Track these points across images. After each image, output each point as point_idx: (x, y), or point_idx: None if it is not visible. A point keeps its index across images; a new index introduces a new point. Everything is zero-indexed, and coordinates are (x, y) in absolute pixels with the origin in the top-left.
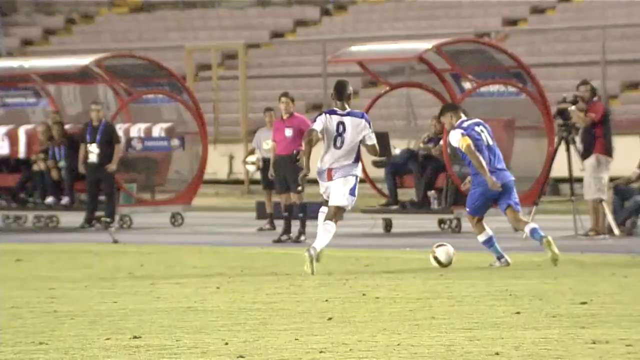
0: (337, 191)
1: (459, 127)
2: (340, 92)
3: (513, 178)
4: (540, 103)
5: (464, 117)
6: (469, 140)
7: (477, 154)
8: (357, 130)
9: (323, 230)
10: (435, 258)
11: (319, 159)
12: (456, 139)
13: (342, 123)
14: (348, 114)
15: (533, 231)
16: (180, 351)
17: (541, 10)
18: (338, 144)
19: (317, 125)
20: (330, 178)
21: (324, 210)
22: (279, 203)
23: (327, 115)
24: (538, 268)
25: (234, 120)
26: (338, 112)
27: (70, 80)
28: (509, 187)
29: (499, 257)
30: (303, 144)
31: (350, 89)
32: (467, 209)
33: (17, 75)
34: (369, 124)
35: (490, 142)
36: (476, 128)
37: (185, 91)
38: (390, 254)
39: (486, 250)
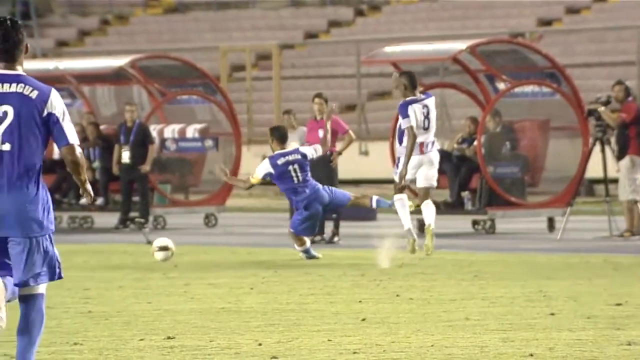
0: (427, 173)
1: (272, 160)
2: (415, 81)
3: (320, 211)
4: (574, 103)
5: (286, 150)
6: (256, 180)
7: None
8: (434, 107)
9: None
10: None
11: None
12: (259, 168)
13: (426, 106)
14: (427, 97)
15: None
16: (213, 352)
17: (576, 11)
18: (426, 125)
19: (413, 120)
20: (422, 152)
21: (399, 197)
22: None
23: (412, 105)
24: (572, 269)
25: (268, 121)
26: (418, 99)
27: (105, 81)
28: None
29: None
30: (409, 143)
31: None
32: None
33: (52, 77)
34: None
35: (300, 181)
36: (289, 167)
37: (219, 92)
38: (424, 254)
39: (519, 251)
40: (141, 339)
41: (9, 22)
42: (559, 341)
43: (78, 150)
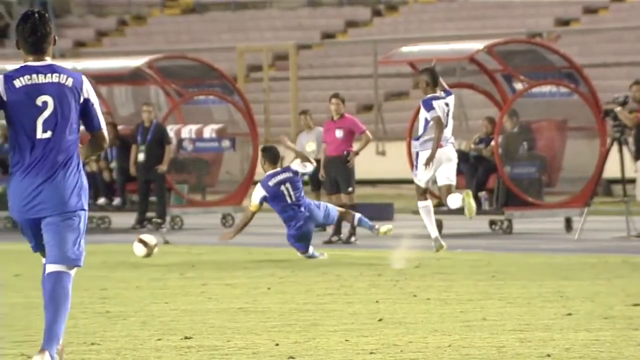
0: (447, 171)
1: (264, 182)
2: (436, 79)
3: (313, 229)
4: (592, 104)
5: (277, 170)
6: (255, 207)
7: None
8: (453, 105)
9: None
10: (141, 241)
11: (427, 141)
12: (254, 194)
13: (447, 104)
14: (446, 95)
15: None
16: (231, 352)
17: (594, 10)
18: (445, 123)
19: (439, 111)
20: (440, 145)
21: (423, 205)
22: None
23: (436, 101)
24: (590, 270)
25: (285, 121)
26: (440, 97)
27: (123, 82)
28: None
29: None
30: (436, 133)
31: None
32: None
33: None
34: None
35: (293, 200)
36: (282, 187)
37: (236, 92)
38: (441, 254)
39: (537, 252)
40: (158, 339)
41: (36, 15)
42: (576, 341)
43: (107, 136)
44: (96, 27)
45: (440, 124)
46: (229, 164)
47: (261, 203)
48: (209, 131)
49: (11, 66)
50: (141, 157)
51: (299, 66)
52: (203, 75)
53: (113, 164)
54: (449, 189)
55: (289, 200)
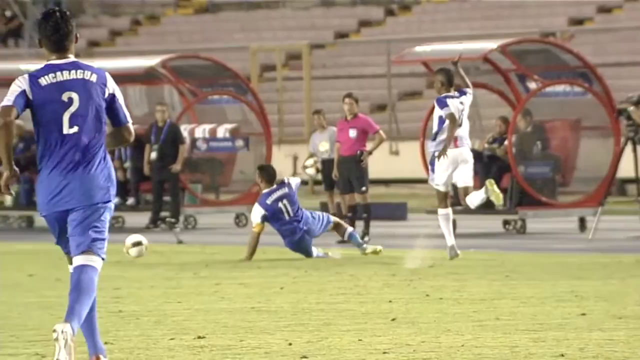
0: (464, 173)
1: (261, 201)
2: (451, 79)
3: (311, 242)
4: (606, 103)
5: (272, 187)
6: (258, 227)
7: (255, 234)
8: (469, 104)
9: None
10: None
11: (443, 141)
12: (254, 215)
13: (462, 102)
14: (460, 95)
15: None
16: (244, 351)
17: (608, 10)
18: (460, 122)
19: (453, 109)
20: (456, 145)
21: (444, 212)
22: (339, 203)
23: (450, 99)
24: (603, 269)
25: (298, 121)
26: (454, 96)
27: (136, 81)
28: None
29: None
30: (450, 129)
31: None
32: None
33: None
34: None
35: (292, 215)
36: (279, 204)
37: (250, 92)
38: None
39: (550, 251)
40: (172, 339)
41: (58, 13)
42: (590, 341)
43: (133, 129)
44: (110, 27)
45: (454, 120)
46: (242, 163)
47: (263, 222)
48: (222, 131)
49: (25, 66)
50: (154, 156)
51: (312, 66)
52: (216, 75)
53: (127, 164)
54: (466, 191)
55: (287, 217)
